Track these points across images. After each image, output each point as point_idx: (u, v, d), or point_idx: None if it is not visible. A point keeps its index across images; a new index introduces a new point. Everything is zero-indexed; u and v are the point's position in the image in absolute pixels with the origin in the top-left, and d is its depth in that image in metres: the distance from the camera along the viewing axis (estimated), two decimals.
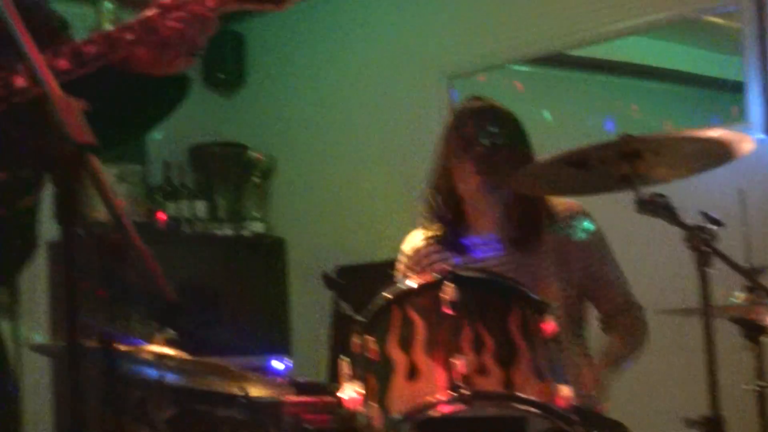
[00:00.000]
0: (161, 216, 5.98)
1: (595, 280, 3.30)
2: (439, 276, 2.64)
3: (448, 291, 2.59)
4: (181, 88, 2.25)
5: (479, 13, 5.44)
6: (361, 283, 5.13)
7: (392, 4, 5.92)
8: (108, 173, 1.74)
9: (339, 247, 5.87)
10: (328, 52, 6.21)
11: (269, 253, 6.40)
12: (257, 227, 6.37)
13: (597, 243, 3.32)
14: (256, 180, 6.39)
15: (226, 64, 6.54)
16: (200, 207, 6.20)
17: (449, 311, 2.56)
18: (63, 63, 2.00)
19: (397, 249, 3.47)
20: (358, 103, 6.06)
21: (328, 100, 6.21)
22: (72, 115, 1.48)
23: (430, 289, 2.64)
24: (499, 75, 5.39)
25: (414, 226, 3.47)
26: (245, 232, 6.34)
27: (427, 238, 3.39)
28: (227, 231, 6.30)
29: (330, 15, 6.21)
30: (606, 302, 3.33)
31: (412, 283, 2.71)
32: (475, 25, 5.47)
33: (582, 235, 3.28)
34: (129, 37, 2.05)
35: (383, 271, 3.54)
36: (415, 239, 3.44)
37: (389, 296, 2.70)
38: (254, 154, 6.35)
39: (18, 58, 1.86)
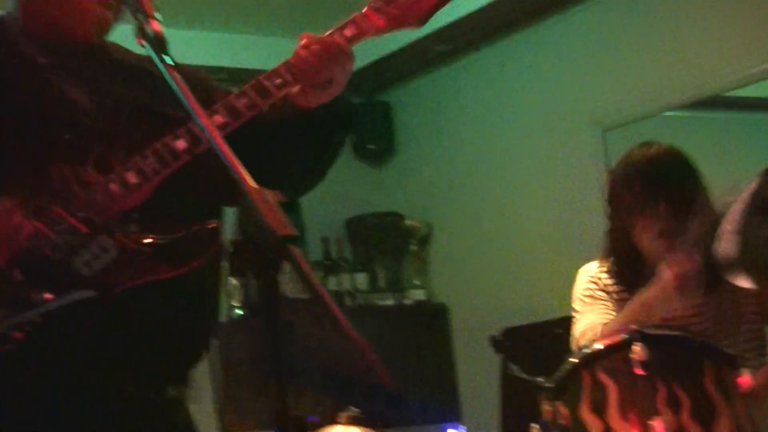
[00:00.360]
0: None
1: None
2: (626, 336, 2.59)
3: (638, 351, 2.54)
4: (346, 113, 2.29)
5: (632, 62, 5.33)
6: (529, 344, 5.03)
7: (540, 59, 5.83)
8: None
9: (503, 309, 5.75)
10: (475, 113, 6.17)
11: (432, 319, 6.35)
12: (418, 295, 6.35)
13: None
14: (414, 247, 6.38)
15: (375, 135, 6.59)
16: (360, 279, 6.22)
17: (641, 371, 2.52)
18: (219, 118, 2.06)
19: (561, 305, 3.37)
20: (511, 160, 5.99)
21: (480, 160, 6.16)
22: (270, 207, 1.48)
23: (618, 350, 2.60)
24: (655, 123, 5.24)
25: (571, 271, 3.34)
26: (406, 301, 6.33)
27: (605, 276, 3.22)
28: (389, 301, 6.30)
29: (475, 76, 6.19)
30: None
31: (599, 345, 2.67)
32: (629, 73, 5.37)
33: None
34: (277, 81, 2.10)
35: (551, 331, 3.50)
36: (592, 267, 3.28)
37: (577, 360, 2.66)
38: (410, 222, 6.35)
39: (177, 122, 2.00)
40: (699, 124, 5.32)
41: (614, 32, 5.45)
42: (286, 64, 2.11)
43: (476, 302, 6.05)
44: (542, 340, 4.70)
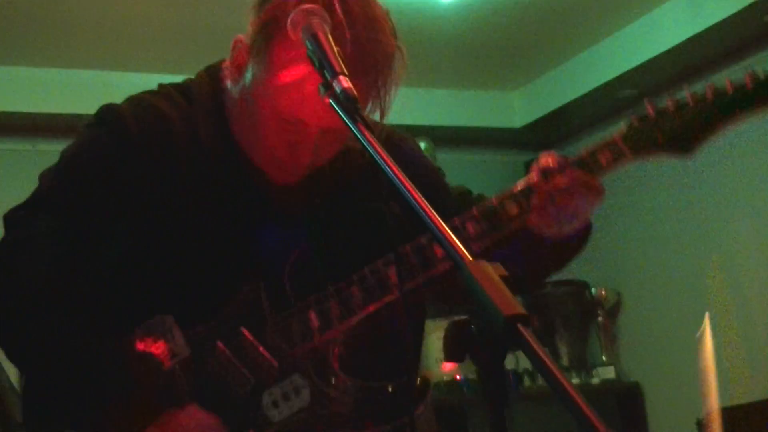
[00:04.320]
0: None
1: None
2: None
3: None
4: (582, 241, 2.19)
5: None
6: (740, 426, 4.77)
7: None
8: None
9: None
10: (669, 169, 5.83)
11: (623, 401, 6.10)
12: (607, 373, 6.08)
13: None
14: (601, 320, 6.14)
15: None
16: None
17: None
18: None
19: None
20: (713, 213, 5.67)
21: (676, 215, 5.87)
22: (493, 283, 1.34)
23: None
24: None
25: None
26: (594, 380, 6.08)
27: None
28: (574, 380, 5.97)
29: None
30: None
31: None
32: None
33: None
34: (513, 209, 2.03)
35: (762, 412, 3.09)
36: None
37: None
38: (597, 291, 6.12)
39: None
40: None
41: None
42: (525, 189, 2.03)
43: (674, 380, 5.70)
44: (754, 422, 4.70)
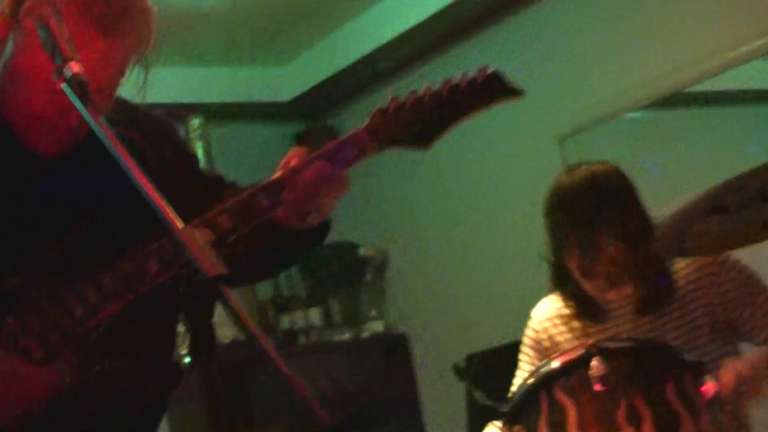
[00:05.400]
0: None
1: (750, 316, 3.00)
2: (584, 351, 2.58)
3: (596, 366, 2.54)
4: (321, 234, 2.22)
5: (586, 66, 5.33)
6: (495, 369, 4.97)
7: None
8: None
9: (466, 335, 5.71)
10: None
11: (392, 352, 6.30)
12: (376, 327, 6.28)
13: (740, 280, 3.01)
14: (370, 277, 6.30)
15: None
16: (314, 315, 6.15)
17: (600, 387, 2.52)
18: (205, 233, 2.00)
19: (525, 326, 3.30)
20: (466, 178, 5.94)
21: (435, 180, 6.10)
22: (199, 248, 1.48)
23: (576, 367, 2.57)
24: (614, 127, 5.24)
25: (541, 296, 3.28)
26: (364, 334, 6.28)
27: (558, 314, 3.18)
28: (345, 335, 6.23)
29: None
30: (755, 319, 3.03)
31: (555, 362, 2.62)
32: (583, 78, 5.32)
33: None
34: (265, 203, 2.04)
35: (516, 354, 3.38)
36: (544, 310, 3.23)
37: (533, 381, 2.64)
38: (365, 251, 6.27)
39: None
40: (659, 123, 5.33)
41: (563, 38, 5.45)
42: (275, 183, 2.05)
43: (437, 330, 5.99)
44: (507, 365, 4.83)
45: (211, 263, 1.47)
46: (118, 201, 1.99)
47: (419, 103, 2.08)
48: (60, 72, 1.71)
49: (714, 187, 2.43)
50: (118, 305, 1.99)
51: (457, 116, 2.09)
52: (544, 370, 2.62)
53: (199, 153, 5.89)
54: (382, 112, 2.08)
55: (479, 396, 4.69)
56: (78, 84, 1.69)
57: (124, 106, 2.17)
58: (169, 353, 2.23)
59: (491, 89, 2.11)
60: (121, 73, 2.05)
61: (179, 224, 1.52)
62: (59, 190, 2.08)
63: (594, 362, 2.52)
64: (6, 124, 2.06)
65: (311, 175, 2.04)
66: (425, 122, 2.09)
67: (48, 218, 2.07)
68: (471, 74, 2.10)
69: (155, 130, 2.24)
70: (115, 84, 2.06)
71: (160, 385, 2.20)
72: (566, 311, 3.14)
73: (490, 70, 2.11)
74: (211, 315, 1.68)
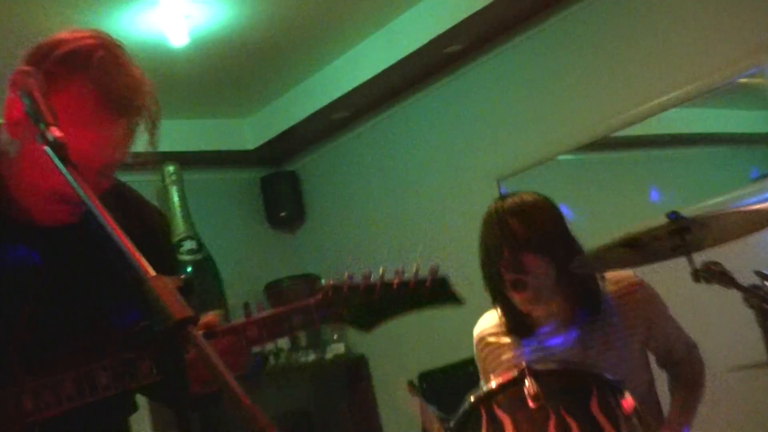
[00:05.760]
0: None
1: (658, 333, 3.23)
2: (517, 373, 2.74)
3: (529, 385, 2.69)
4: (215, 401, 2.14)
5: (524, 113, 5.53)
6: (447, 385, 5.31)
7: (434, 119, 6.04)
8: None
9: (419, 354, 5.91)
10: (377, 175, 6.42)
11: (352, 371, 6.48)
12: (338, 349, 6.45)
13: (651, 300, 3.25)
14: None
15: (286, 203, 6.84)
16: (282, 339, 6.24)
17: (533, 404, 2.66)
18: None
19: (470, 345, 3.47)
20: (413, 216, 6.13)
21: (385, 218, 6.31)
22: (168, 293, 1.48)
23: (511, 386, 2.73)
24: (547, 168, 5.37)
25: (479, 313, 3.41)
26: (328, 356, 6.44)
27: (496, 327, 3.33)
28: (311, 357, 6.40)
29: (373, 140, 6.42)
30: (669, 353, 3.28)
31: (493, 383, 2.79)
32: (521, 125, 5.53)
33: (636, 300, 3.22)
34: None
35: (465, 370, 3.64)
36: (484, 325, 3.38)
37: (473, 398, 2.78)
38: (326, 281, 6.27)
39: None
40: (590, 164, 5.43)
41: (502, 87, 5.64)
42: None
43: (394, 350, 6.15)
44: (456, 381, 4.90)
45: (180, 306, 1.46)
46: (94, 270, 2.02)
47: (371, 291, 2.16)
48: (43, 136, 1.73)
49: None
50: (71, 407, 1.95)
51: (401, 311, 2.20)
52: (483, 388, 2.78)
53: (175, 196, 6.08)
54: (336, 289, 2.14)
55: (431, 410, 4.85)
56: (59, 147, 1.70)
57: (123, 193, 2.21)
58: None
59: (436, 294, 2.21)
60: (128, 148, 2.05)
61: (151, 272, 1.51)
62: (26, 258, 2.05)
63: (527, 382, 2.67)
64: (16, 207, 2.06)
65: (221, 345, 2.04)
66: (371, 311, 2.18)
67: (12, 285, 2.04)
68: (421, 275, 2.20)
69: (147, 217, 2.24)
70: (120, 160, 2.06)
71: None
72: (503, 325, 3.30)
73: (438, 275, 2.22)
74: (182, 361, 1.61)
